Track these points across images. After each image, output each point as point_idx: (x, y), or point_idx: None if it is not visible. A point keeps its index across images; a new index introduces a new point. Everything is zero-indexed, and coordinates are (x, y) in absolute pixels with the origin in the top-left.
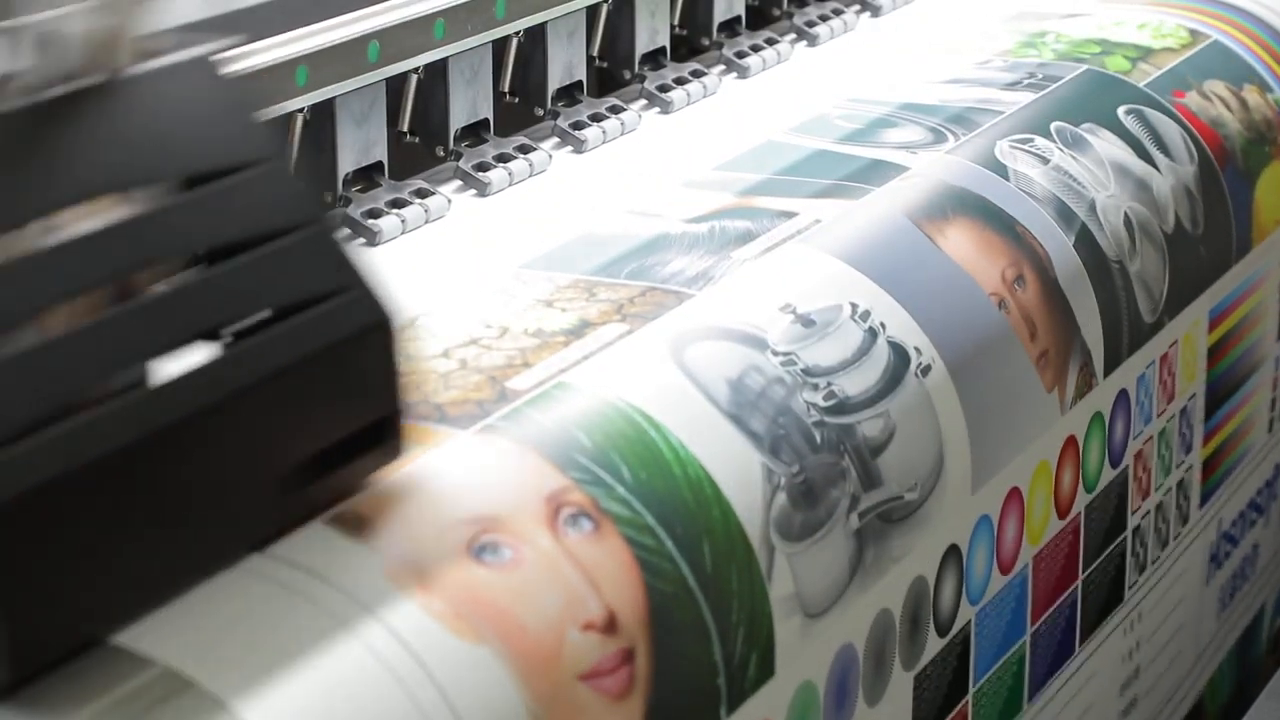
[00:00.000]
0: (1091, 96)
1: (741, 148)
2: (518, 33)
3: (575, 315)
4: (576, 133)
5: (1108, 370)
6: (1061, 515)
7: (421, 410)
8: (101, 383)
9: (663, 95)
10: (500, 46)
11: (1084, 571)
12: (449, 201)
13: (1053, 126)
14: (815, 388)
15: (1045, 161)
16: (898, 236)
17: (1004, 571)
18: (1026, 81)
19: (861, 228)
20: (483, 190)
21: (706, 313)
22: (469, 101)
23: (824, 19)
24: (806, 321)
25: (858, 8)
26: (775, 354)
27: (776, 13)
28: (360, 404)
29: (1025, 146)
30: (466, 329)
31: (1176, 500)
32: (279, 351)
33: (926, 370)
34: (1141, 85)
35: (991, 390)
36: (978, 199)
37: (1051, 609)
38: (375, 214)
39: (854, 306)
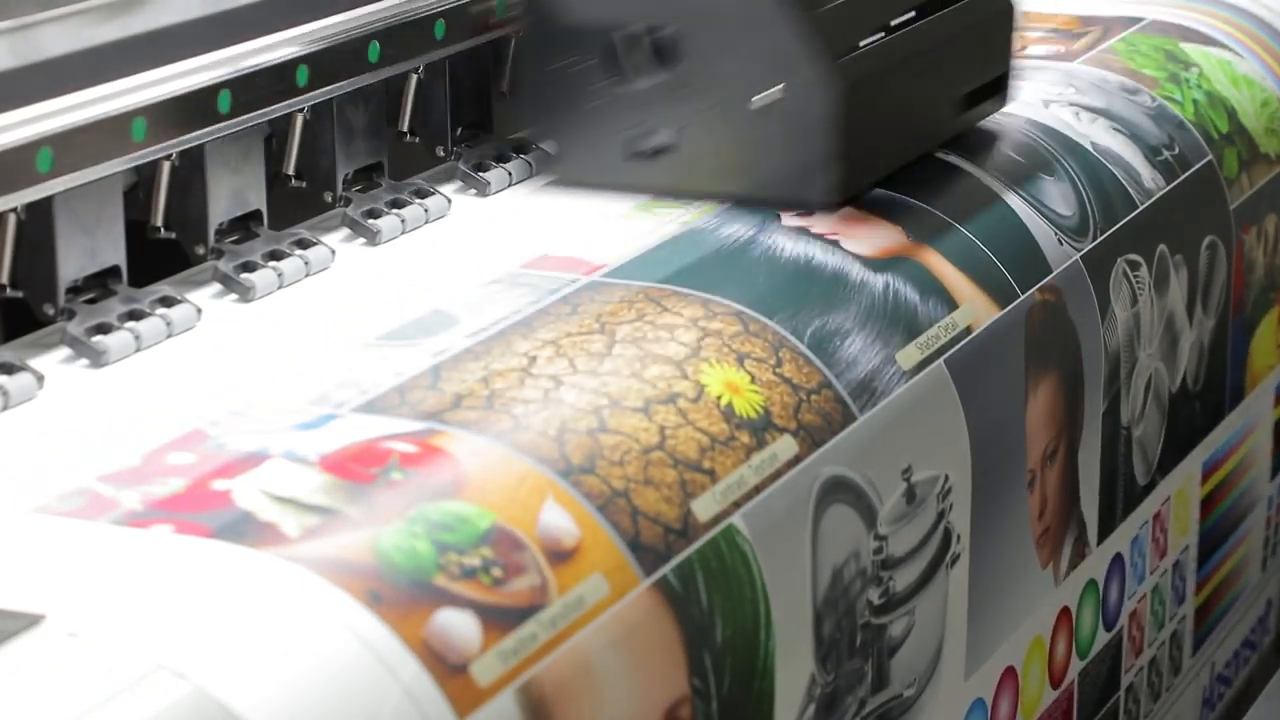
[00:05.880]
0: (1196, 212)
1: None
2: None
3: (760, 398)
4: None
5: (1101, 538)
6: (1055, 685)
7: (620, 516)
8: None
9: None
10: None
11: None
12: (449, 201)
13: (1158, 251)
14: (879, 582)
15: (1134, 303)
16: (1008, 385)
17: None
18: (1165, 155)
19: (990, 364)
20: (483, 190)
21: (853, 454)
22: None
23: None
24: (911, 496)
25: None
26: (876, 537)
27: None
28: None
29: (1133, 275)
30: (666, 375)
31: (1170, 652)
32: (952, 23)
33: (955, 561)
34: (1232, 208)
35: (993, 575)
36: (1074, 354)
37: None
38: (375, 214)
39: (945, 481)
